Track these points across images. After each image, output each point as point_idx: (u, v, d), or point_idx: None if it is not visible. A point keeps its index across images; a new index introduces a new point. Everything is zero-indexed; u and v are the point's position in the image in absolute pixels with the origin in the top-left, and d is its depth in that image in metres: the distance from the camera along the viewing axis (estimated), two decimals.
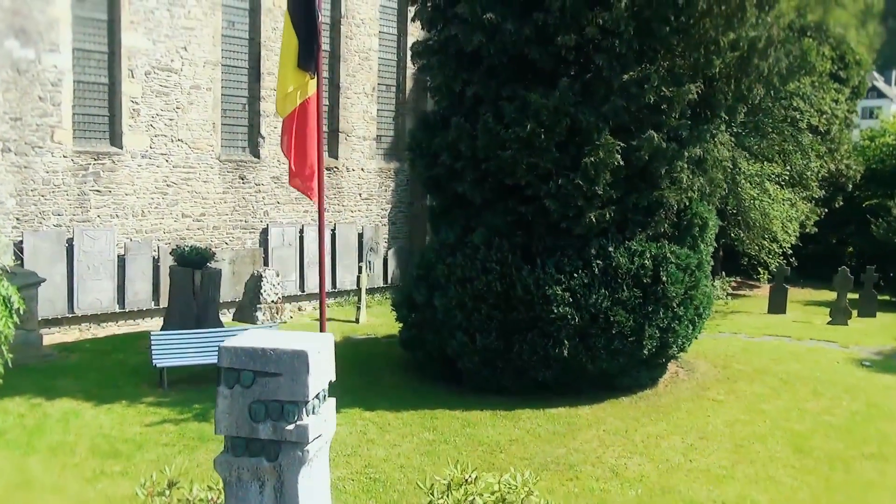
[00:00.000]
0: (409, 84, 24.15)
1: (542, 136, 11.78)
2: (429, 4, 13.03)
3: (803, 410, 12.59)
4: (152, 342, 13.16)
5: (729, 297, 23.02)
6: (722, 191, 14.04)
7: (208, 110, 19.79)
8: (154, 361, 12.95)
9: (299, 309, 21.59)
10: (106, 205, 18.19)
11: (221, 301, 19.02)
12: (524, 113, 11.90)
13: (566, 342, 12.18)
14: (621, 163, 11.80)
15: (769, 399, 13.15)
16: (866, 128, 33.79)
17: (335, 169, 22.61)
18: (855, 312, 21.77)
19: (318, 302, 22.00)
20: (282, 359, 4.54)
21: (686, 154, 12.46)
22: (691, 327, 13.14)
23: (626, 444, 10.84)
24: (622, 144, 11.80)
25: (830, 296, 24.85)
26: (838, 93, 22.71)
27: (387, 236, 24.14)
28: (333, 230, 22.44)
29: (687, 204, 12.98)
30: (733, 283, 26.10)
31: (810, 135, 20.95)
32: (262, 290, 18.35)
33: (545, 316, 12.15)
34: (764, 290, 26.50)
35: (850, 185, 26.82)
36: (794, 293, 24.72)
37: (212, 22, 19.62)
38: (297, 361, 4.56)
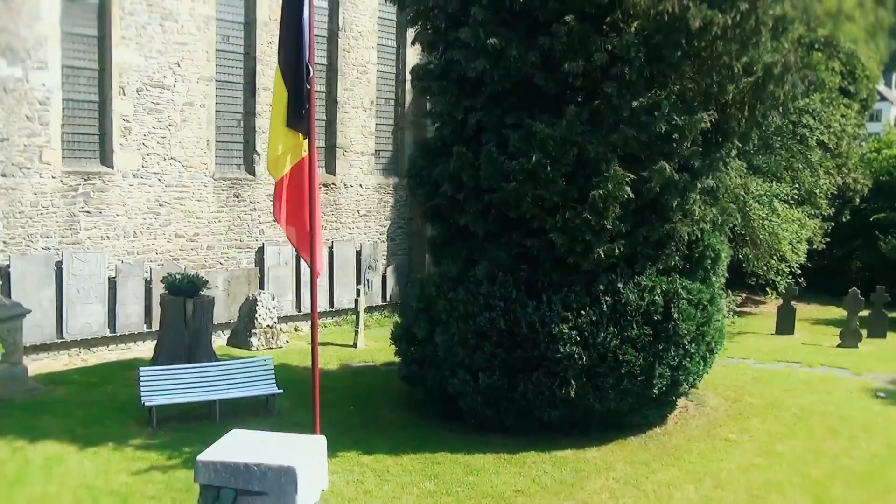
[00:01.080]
0: (408, 97, 23.60)
1: (549, 168, 11.24)
2: (429, 27, 12.49)
3: (820, 452, 12.05)
4: (140, 379, 12.61)
5: (735, 316, 22.47)
6: (735, 220, 13.53)
7: (202, 127, 19.24)
8: (142, 400, 12.41)
9: (296, 329, 21.06)
10: (96, 226, 17.65)
11: (216, 322, 18.52)
12: (529, 143, 11.37)
13: (573, 382, 11.65)
14: (631, 195, 11.26)
15: (784, 438, 12.62)
16: (871, 133, 33.19)
17: (332, 185, 22.08)
18: (864, 332, 21.27)
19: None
20: (267, 475, 4.01)
21: (698, 185, 11.93)
22: (703, 363, 12.60)
23: (637, 495, 10.31)
24: (632, 176, 11.26)
25: (838, 312, 24.38)
26: (847, 108, 22.21)
27: (385, 253, 23.61)
28: (331, 248, 21.92)
29: (699, 236, 12.44)
30: (739, 300, 25.60)
31: (819, 151, 20.45)
32: (256, 315, 17.80)
33: (551, 355, 11.61)
34: (770, 305, 26.01)
35: (858, 199, 26.29)
36: (802, 310, 24.18)
37: (205, 37, 19.07)
38: (285, 478, 4.03)
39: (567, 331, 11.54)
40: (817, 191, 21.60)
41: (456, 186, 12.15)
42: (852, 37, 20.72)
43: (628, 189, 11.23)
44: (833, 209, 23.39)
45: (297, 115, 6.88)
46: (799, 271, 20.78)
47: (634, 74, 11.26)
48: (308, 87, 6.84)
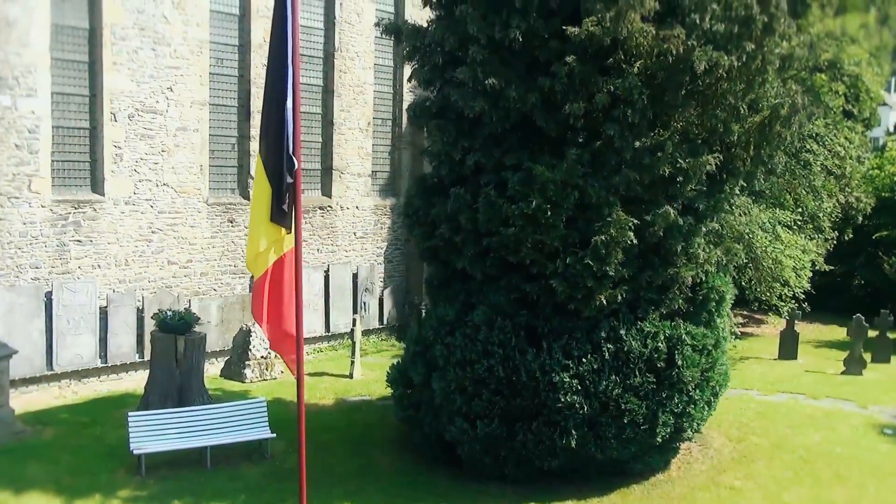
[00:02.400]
0: (405, 117, 23.25)
1: (549, 213, 10.91)
2: (426, 65, 12.15)
3: (828, 502, 11.73)
4: (130, 424, 12.28)
5: (737, 339, 22.09)
6: (739, 259, 13.21)
7: (195, 152, 18.91)
8: (131, 447, 12.07)
9: None
10: (87, 255, 17.31)
11: (209, 350, 18.27)
12: (529, 186, 11.02)
13: (574, 432, 11.32)
14: (634, 241, 10.93)
15: (790, 486, 12.29)
16: (871, 137, 32.71)
17: (328, 208, 21.76)
18: (869, 356, 20.95)
19: (311, 346, 21.22)
20: None
21: (703, 229, 11.61)
22: (707, 409, 12.29)
23: None
24: (635, 221, 10.93)
25: (841, 333, 24.08)
26: (851, 130, 21.87)
27: (382, 275, 23.27)
28: (327, 272, 21.60)
29: (703, 278, 12.12)
30: (740, 319, 25.26)
31: (823, 176, 20.12)
32: (250, 346, 17.46)
33: (551, 404, 11.28)
34: (771, 326, 25.66)
35: (860, 218, 25.94)
36: (804, 330, 23.87)
37: (199, 60, 18.74)
38: None
39: (568, 379, 11.21)
40: (821, 214, 21.28)
41: (453, 228, 11.81)
42: (857, 59, 20.53)
43: (631, 234, 10.89)
44: (836, 232, 23.00)
45: (281, 209, 6.51)
46: (803, 296, 20.45)
47: (637, 116, 10.92)
48: (292, 180, 6.45)
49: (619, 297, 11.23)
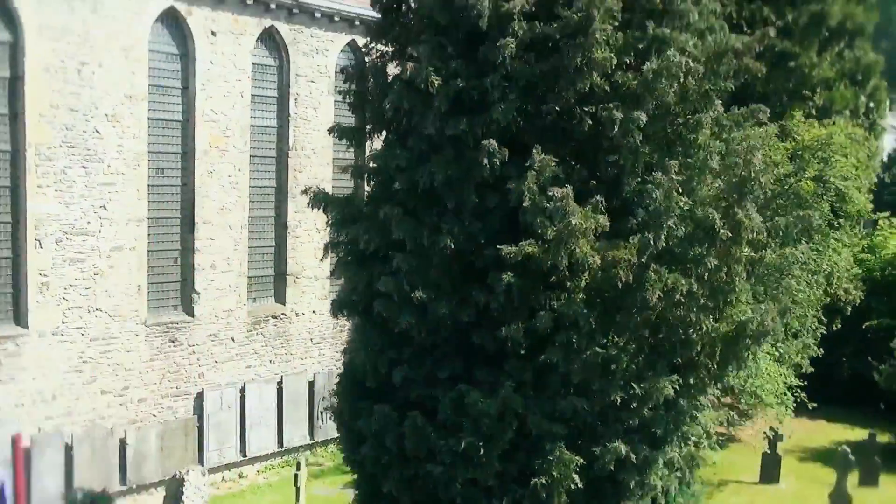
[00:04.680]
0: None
1: (482, 450, 9.58)
2: (349, 257, 10.80)
3: None
4: None
5: (719, 450, 20.69)
6: (707, 464, 11.90)
7: (132, 272, 17.55)
8: None
9: (240, 476, 19.48)
10: (9, 394, 15.96)
11: (148, 483, 17.14)
12: (462, 414, 9.69)
13: None
14: (579, 484, 9.58)
15: None
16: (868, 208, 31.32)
17: (282, 316, 20.44)
18: (856, 474, 19.65)
19: (262, 464, 19.93)
20: None
21: (661, 459, 10.27)
22: None
23: None
24: (581, 461, 9.58)
25: (829, 431, 22.90)
26: (837, 241, 20.53)
27: None
28: (280, 383, 20.27)
29: (663, 501, 10.79)
30: (721, 414, 23.89)
31: (808, 293, 18.80)
32: (183, 497, 16.10)
33: None
34: (755, 432, 24.26)
35: (849, 309, 24.55)
36: (788, 427, 22.51)
37: (136, 174, 17.39)
38: None
39: None
40: (804, 331, 19.94)
41: (379, 447, 10.46)
42: (844, 175, 19.21)
43: (576, 477, 9.54)
44: (819, 336, 21.61)
45: None
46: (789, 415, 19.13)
47: (584, 342, 9.57)
48: None
49: None
